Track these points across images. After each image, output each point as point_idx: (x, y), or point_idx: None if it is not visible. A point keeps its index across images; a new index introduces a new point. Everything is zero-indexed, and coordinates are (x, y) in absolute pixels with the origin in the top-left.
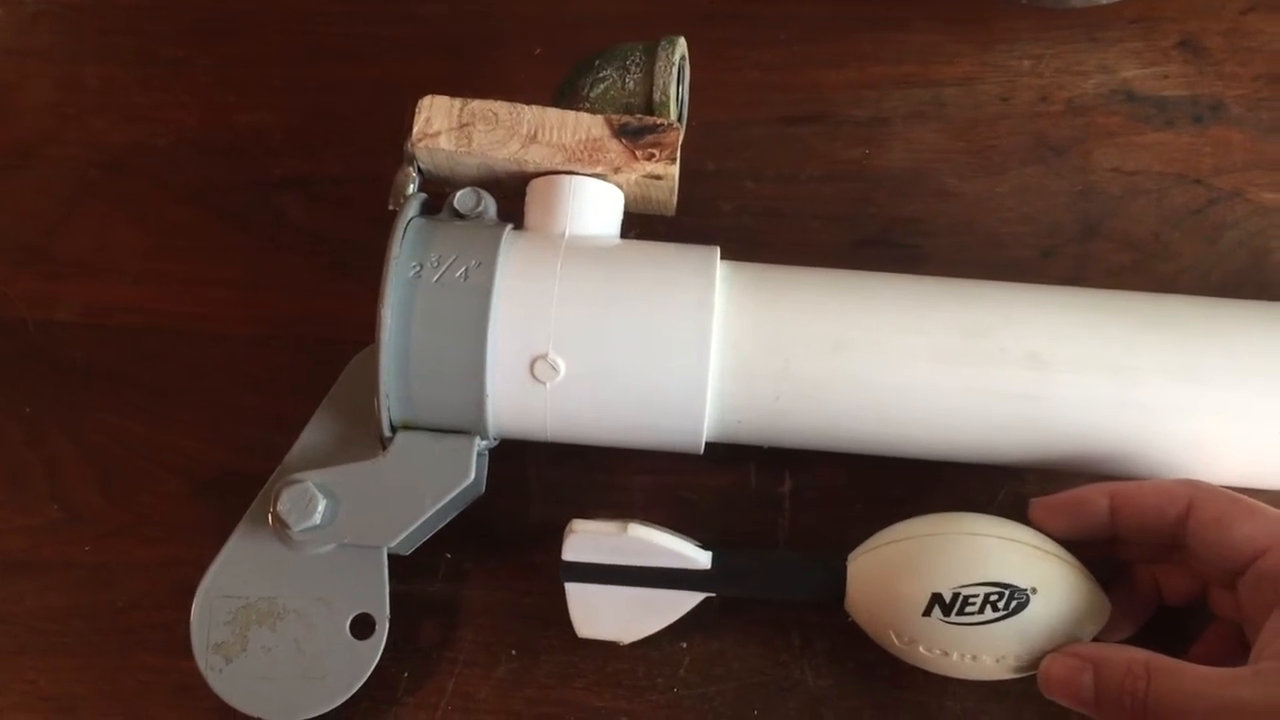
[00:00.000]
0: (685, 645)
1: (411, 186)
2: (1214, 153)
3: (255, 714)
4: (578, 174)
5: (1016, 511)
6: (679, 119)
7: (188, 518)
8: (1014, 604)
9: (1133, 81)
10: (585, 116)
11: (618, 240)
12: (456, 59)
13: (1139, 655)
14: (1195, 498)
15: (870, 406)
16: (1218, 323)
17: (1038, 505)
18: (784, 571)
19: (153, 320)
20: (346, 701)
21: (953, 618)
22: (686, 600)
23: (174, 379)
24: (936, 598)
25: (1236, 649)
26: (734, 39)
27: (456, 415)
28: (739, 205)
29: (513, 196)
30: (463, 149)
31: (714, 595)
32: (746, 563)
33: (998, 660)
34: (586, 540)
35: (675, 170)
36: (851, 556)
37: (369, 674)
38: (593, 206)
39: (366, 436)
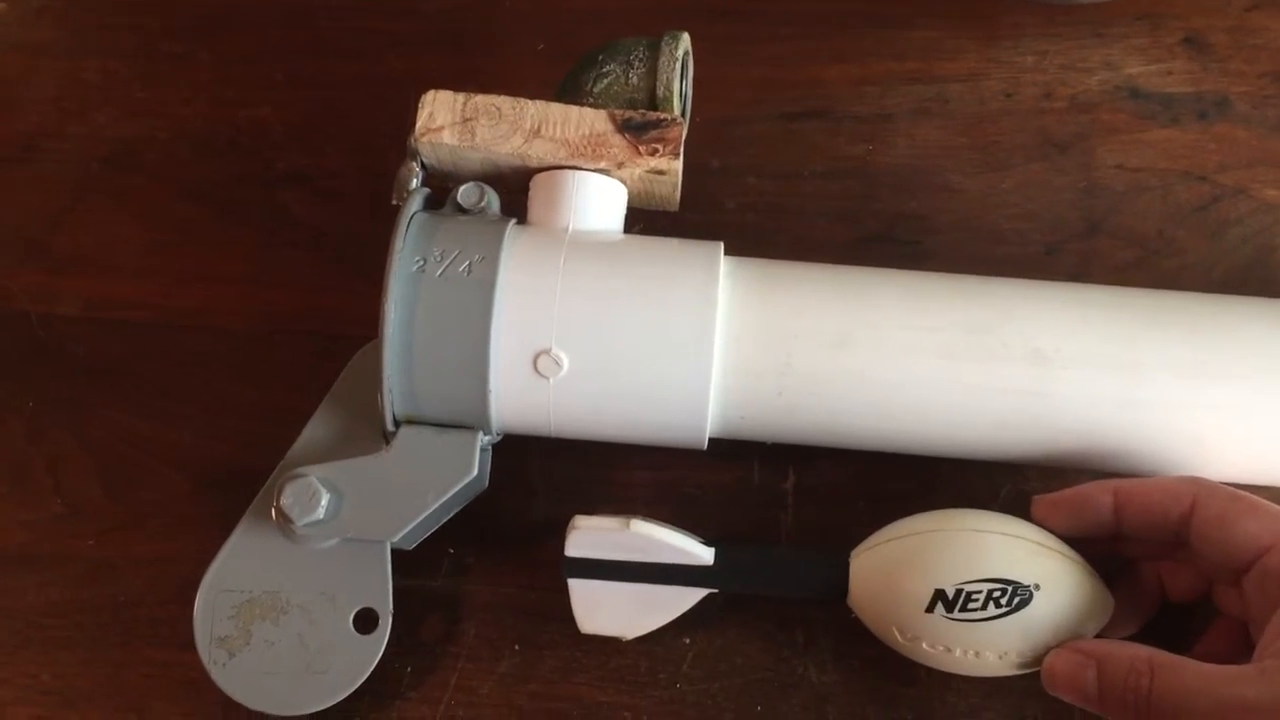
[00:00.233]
0: (688, 641)
1: (414, 181)
2: (1219, 149)
3: (258, 708)
4: (581, 169)
5: (1019, 508)
6: (682, 114)
7: (190, 513)
8: (1017, 600)
9: (1137, 78)
10: (589, 112)
11: (621, 235)
12: (459, 54)
13: (1142, 652)
14: (1199, 495)
15: (873, 402)
16: (1222, 319)
17: (1041, 502)
18: (787, 567)
19: (155, 315)
20: (349, 696)
21: (956, 614)
22: (689, 596)
23: (176, 374)
24: (940, 594)
25: (1240, 646)
26: (737, 35)
27: (460, 410)
28: (742, 201)
29: (515, 191)
30: (466, 144)
31: (717, 591)
32: (749, 559)
33: (1000, 656)
34: (589, 536)
35: (679, 165)
36: (854, 553)
37: (372, 669)
38: (596, 202)
39: (370, 431)
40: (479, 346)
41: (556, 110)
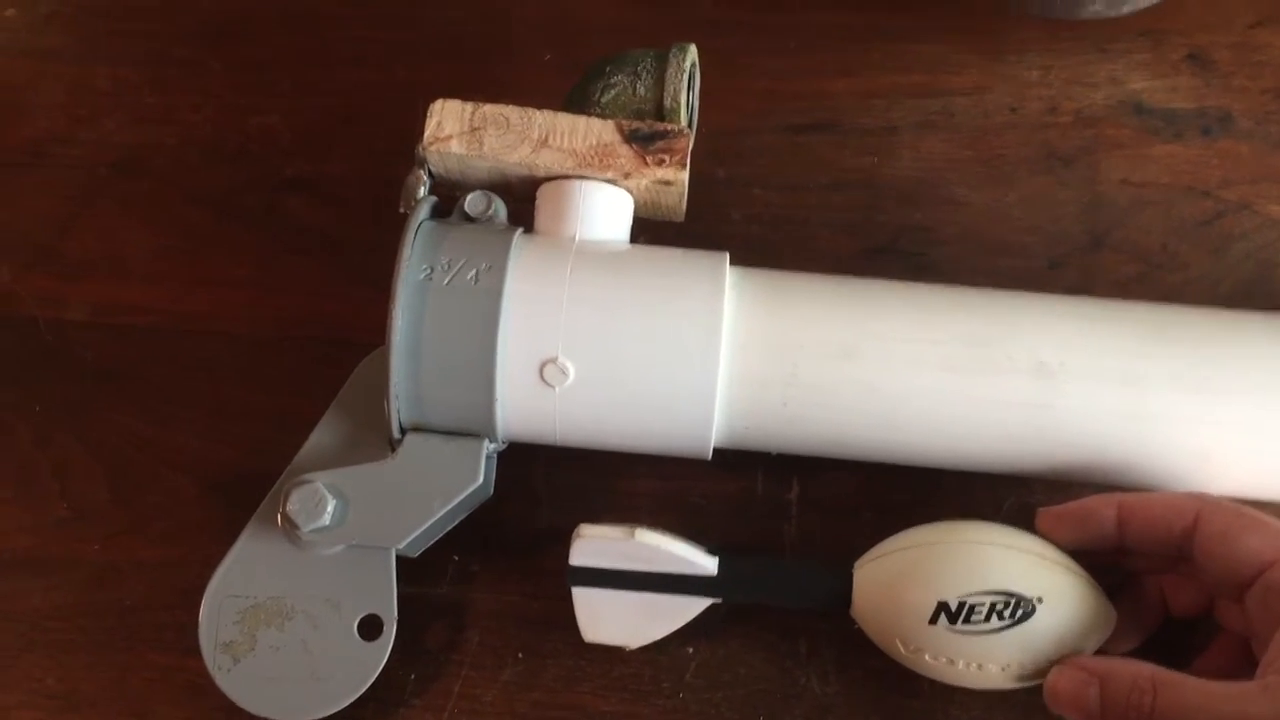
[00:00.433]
0: (691, 650)
1: (422, 189)
2: (1222, 165)
3: (262, 714)
4: (588, 179)
5: (1022, 520)
6: (689, 125)
7: (196, 518)
8: (1020, 613)
9: (1142, 93)
10: (596, 122)
11: (627, 245)
12: (466, 63)
13: (1145, 670)
14: (1203, 511)
15: (878, 414)
16: (1227, 334)
17: (1045, 515)
18: (790, 578)
19: (162, 320)
20: (353, 703)
21: (959, 626)
22: (693, 606)
23: (183, 379)
24: (943, 606)
25: (1242, 662)
26: (742, 47)
27: (466, 417)
28: (748, 213)
29: (522, 200)
30: (474, 153)
31: (720, 601)
32: (753, 569)
33: (1003, 669)
34: (594, 545)
35: (685, 176)
36: (858, 564)
37: (376, 675)
38: (603, 211)
39: (376, 438)
40: (486, 355)
41: (564, 120)
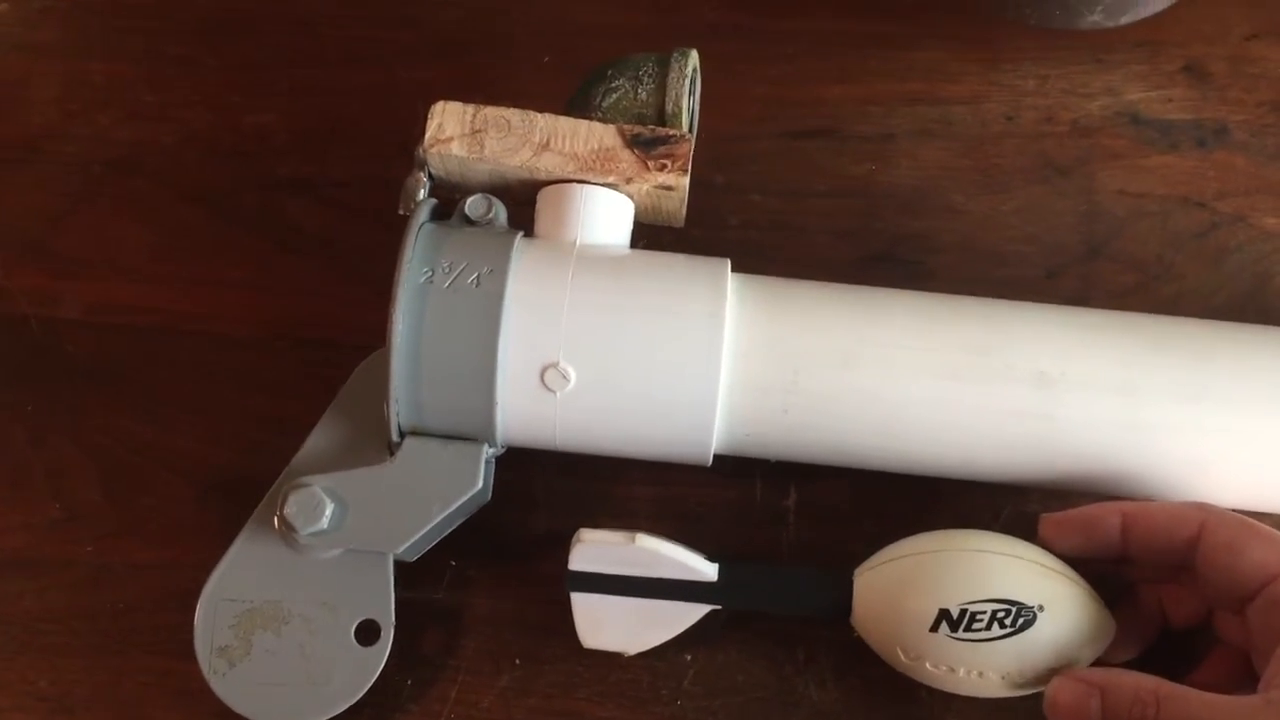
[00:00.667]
0: (690, 658)
1: (422, 192)
2: (1218, 177)
3: (258, 719)
4: (589, 183)
5: (1020, 529)
6: (690, 131)
7: (190, 520)
8: (1021, 621)
9: (1138, 104)
10: (598, 126)
11: (628, 250)
12: (464, 65)
13: (1147, 682)
14: (1207, 521)
15: (878, 422)
16: (1226, 345)
17: (1048, 521)
18: (791, 585)
19: (156, 320)
20: (350, 708)
21: (960, 634)
22: (692, 612)
23: (177, 380)
24: (944, 614)
25: (1240, 675)
26: (740, 53)
27: (465, 422)
28: (746, 218)
29: (522, 203)
30: (475, 155)
31: (720, 608)
32: (753, 576)
33: (1003, 677)
34: (594, 550)
35: (686, 181)
36: (858, 571)
37: (373, 681)
38: (604, 216)
39: (374, 441)
40: (486, 359)
41: (565, 124)
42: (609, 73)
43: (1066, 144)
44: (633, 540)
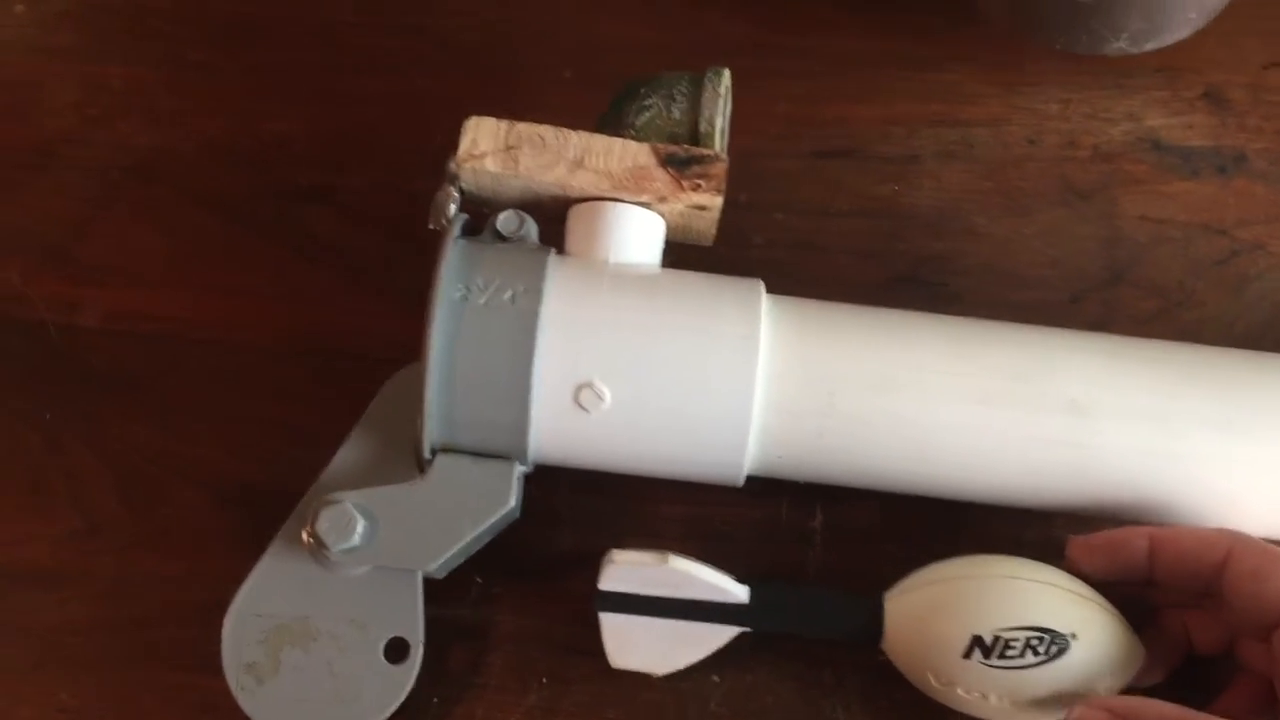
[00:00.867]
0: (718, 679)
1: (453, 207)
2: (1237, 204)
3: None
4: (622, 201)
5: (1045, 554)
6: (723, 150)
7: (209, 531)
8: (1055, 649)
9: (1159, 130)
10: (632, 144)
11: (660, 269)
12: (484, 76)
13: (1171, 711)
14: (1234, 548)
15: (912, 446)
16: (1258, 375)
17: (1076, 543)
18: (821, 608)
19: (174, 328)
20: None
21: (993, 661)
22: (721, 634)
23: (194, 388)
24: (977, 640)
25: (1263, 703)
26: (763, 70)
27: (498, 439)
28: (770, 237)
29: (551, 220)
30: (509, 172)
31: (749, 630)
32: (784, 598)
33: (1035, 705)
34: (624, 571)
35: (720, 202)
36: (888, 595)
37: (402, 699)
38: (636, 234)
39: (403, 457)
40: (522, 377)
41: (599, 142)
42: (641, 90)
43: (1088, 168)
44: (665, 561)
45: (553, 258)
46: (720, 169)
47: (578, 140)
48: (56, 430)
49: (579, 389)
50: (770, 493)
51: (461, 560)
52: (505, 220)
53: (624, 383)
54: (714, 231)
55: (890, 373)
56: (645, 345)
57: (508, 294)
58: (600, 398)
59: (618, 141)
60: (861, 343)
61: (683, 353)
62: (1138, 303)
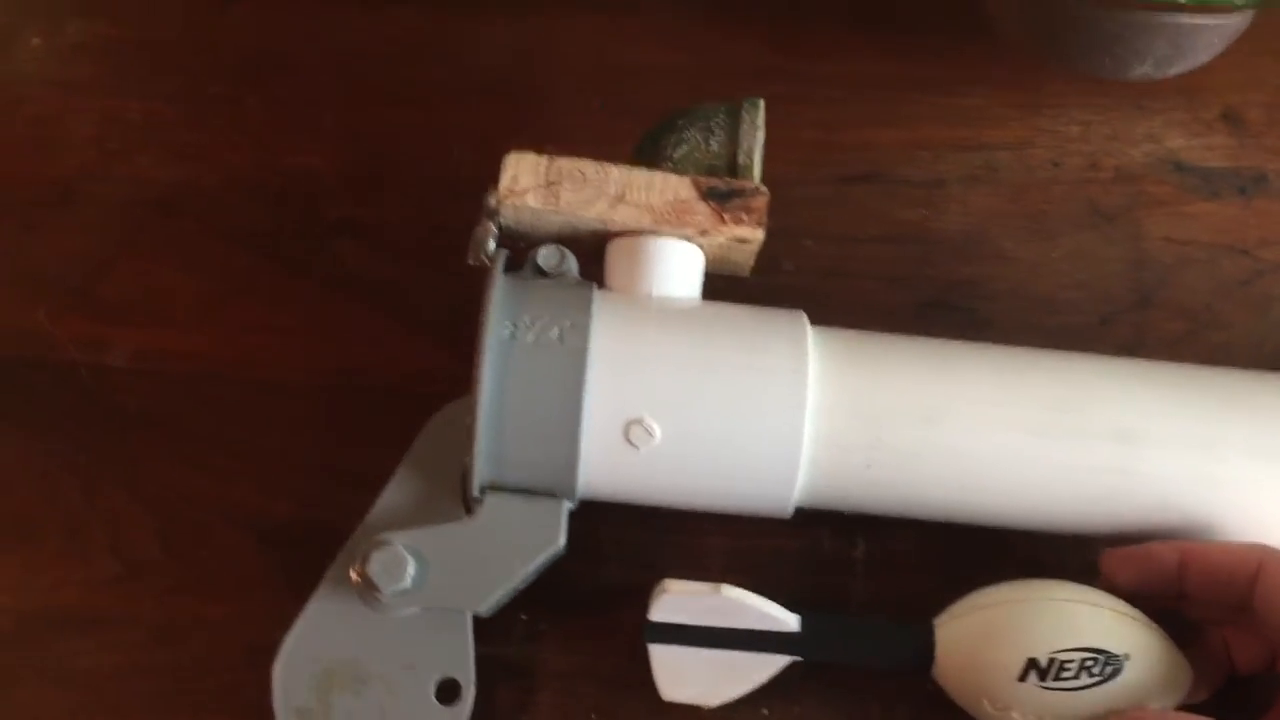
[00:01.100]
0: (766, 712)
1: (492, 242)
2: (1259, 225)
3: None
4: (662, 235)
5: (1087, 579)
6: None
7: (252, 572)
8: (1109, 670)
9: (1180, 151)
10: (672, 178)
11: (701, 302)
12: (511, 106)
13: None
14: (1265, 562)
15: (960, 477)
16: None
17: (1109, 555)
18: (872, 637)
19: (206, 366)
20: None
21: (1049, 683)
22: (772, 664)
23: (230, 428)
24: (1032, 663)
25: None
26: (787, 95)
27: (546, 477)
28: (799, 264)
29: (589, 254)
30: (550, 207)
31: (800, 660)
32: (835, 627)
33: None
34: (676, 600)
35: (762, 234)
36: (938, 622)
37: None
38: (677, 268)
39: (449, 495)
40: (572, 415)
41: (640, 176)
42: (679, 122)
43: (1112, 191)
44: (718, 590)
45: (597, 293)
46: (762, 202)
47: (618, 174)
48: (93, 473)
49: (629, 425)
50: (811, 523)
51: (508, 598)
52: (546, 255)
53: (674, 418)
54: (752, 263)
55: (937, 405)
56: (694, 381)
57: (554, 331)
58: (650, 434)
59: (658, 175)
60: (907, 375)
61: (732, 387)
62: (1166, 324)
